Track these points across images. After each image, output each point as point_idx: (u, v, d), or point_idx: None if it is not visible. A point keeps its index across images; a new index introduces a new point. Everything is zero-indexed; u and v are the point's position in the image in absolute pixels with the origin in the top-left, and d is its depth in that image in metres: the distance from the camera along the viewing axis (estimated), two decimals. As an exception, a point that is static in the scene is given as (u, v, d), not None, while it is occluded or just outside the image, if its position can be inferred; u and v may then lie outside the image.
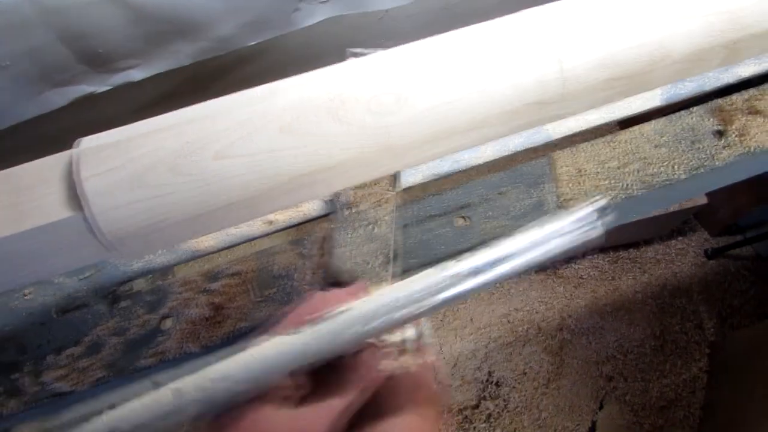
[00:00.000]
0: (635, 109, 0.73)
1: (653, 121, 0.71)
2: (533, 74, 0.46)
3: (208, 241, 0.67)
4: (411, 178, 0.69)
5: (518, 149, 0.71)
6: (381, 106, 0.44)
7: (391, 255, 0.60)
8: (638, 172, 0.68)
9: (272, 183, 0.44)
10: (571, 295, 2.08)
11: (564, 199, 0.66)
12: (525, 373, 1.96)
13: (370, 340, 0.44)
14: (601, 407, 1.92)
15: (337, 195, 0.64)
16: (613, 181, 0.67)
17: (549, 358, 1.99)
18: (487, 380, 1.96)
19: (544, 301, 2.07)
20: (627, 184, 0.67)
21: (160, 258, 0.67)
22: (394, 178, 0.65)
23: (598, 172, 0.68)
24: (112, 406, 0.36)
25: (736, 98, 0.73)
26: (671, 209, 1.85)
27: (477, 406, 1.92)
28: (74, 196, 0.42)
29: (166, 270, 0.68)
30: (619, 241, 2.15)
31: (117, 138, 0.44)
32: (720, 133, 0.70)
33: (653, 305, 2.08)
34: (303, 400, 0.41)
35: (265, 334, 0.39)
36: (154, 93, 1.07)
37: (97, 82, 0.93)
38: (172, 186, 0.42)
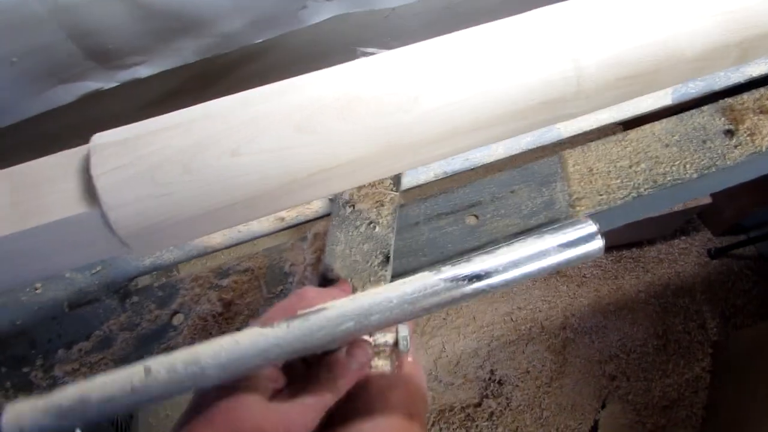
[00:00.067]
0: (646, 108, 0.73)
1: (664, 120, 0.71)
2: (547, 73, 0.46)
3: (218, 238, 0.67)
4: (422, 176, 0.69)
5: (529, 148, 0.71)
6: (393, 105, 0.44)
7: (391, 255, 0.60)
8: (649, 171, 0.68)
9: (283, 181, 0.44)
10: (575, 294, 2.08)
11: (576, 198, 0.66)
12: (528, 372, 1.96)
13: (362, 339, 0.44)
14: (603, 406, 1.93)
15: (338, 193, 0.63)
16: (623, 180, 0.67)
17: (552, 356, 1.99)
18: (490, 378, 1.96)
19: (547, 300, 2.07)
20: (638, 183, 0.67)
21: (170, 254, 0.67)
22: (397, 178, 0.64)
23: (609, 171, 0.68)
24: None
25: (747, 97, 0.73)
26: (675, 209, 1.85)
27: (479, 405, 1.93)
28: (88, 192, 0.42)
29: (176, 266, 0.68)
30: (623, 240, 2.15)
31: (130, 134, 0.44)
32: (730, 133, 0.70)
33: (656, 305, 2.08)
34: (289, 393, 0.41)
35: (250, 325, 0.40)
36: (160, 90, 1.07)
37: (104, 79, 0.93)
38: (184, 183, 0.42)
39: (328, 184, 0.45)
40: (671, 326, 2.04)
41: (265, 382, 0.41)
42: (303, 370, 0.45)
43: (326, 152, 0.44)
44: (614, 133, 0.72)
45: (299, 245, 0.66)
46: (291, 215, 0.67)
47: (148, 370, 0.36)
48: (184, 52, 0.95)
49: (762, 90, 0.74)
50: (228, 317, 0.62)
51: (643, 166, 0.68)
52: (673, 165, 0.68)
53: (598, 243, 0.40)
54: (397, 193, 0.62)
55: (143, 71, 0.94)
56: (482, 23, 0.49)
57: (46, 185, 0.43)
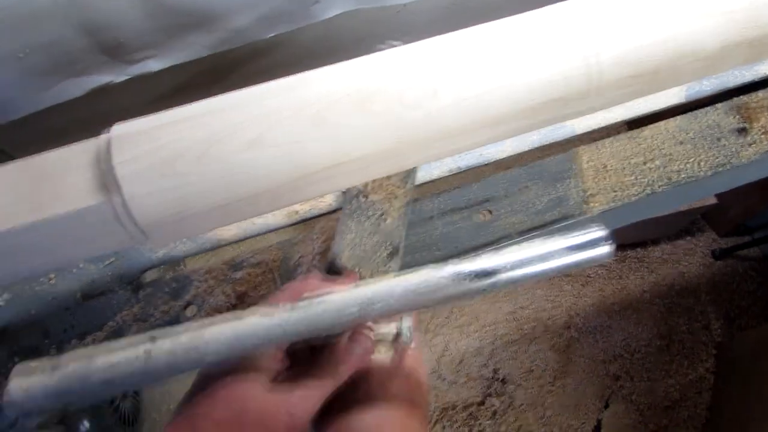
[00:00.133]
0: (659, 105, 0.73)
1: (677, 118, 0.71)
2: (561, 69, 0.46)
3: (231, 231, 0.67)
4: (435, 170, 0.69)
5: (541, 144, 0.71)
6: (410, 99, 0.44)
7: (400, 248, 0.60)
8: (662, 168, 0.68)
9: (300, 173, 0.44)
10: (579, 293, 2.08)
11: (590, 194, 0.66)
12: (531, 371, 1.97)
13: (365, 328, 0.45)
14: (606, 406, 1.93)
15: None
16: (637, 177, 0.67)
17: (555, 356, 1.99)
18: (493, 377, 1.96)
19: (551, 299, 2.07)
20: (651, 180, 0.67)
21: (183, 246, 0.67)
22: (410, 172, 0.64)
23: (622, 168, 0.68)
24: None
25: (761, 95, 0.72)
26: (680, 209, 1.85)
27: (482, 403, 1.93)
28: (106, 182, 0.42)
29: (183, 260, 0.68)
30: (627, 240, 2.15)
31: (147, 125, 0.44)
32: (744, 131, 0.70)
33: (660, 305, 2.08)
34: (291, 377, 0.42)
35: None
36: (170, 84, 1.07)
37: (115, 73, 0.93)
38: (200, 174, 0.42)
39: (344, 178, 0.45)
40: (675, 327, 2.04)
41: (267, 364, 0.42)
42: (305, 355, 0.45)
43: (343, 146, 0.44)
44: (621, 132, 0.72)
45: (310, 236, 0.66)
46: (304, 209, 0.67)
47: (148, 353, 0.36)
48: (195, 47, 0.95)
49: (775, 88, 0.74)
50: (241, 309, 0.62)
51: (656, 163, 0.68)
52: (687, 162, 0.68)
53: (607, 248, 0.39)
54: (411, 187, 0.62)
55: (153, 65, 0.94)
56: (492, 20, 0.49)
57: (61, 176, 0.43)
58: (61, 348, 0.62)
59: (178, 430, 0.39)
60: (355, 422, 0.43)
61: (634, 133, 0.71)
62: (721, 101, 0.73)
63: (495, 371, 1.96)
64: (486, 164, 0.71)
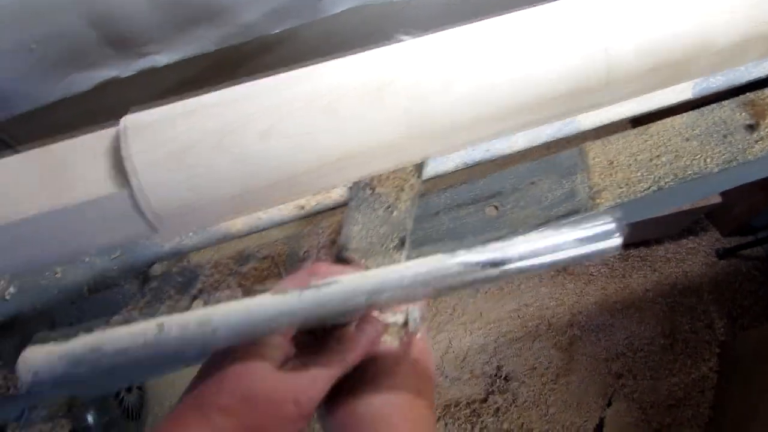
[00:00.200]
0: (667, 101, 0.73)
1: (684, 114, 0.71)
2: (579, 61, 0.46)
3: (237, 225, 0.67)
4: (442, 166, 0.69)
5: (549, 140, 0.71)
6: (425, 90, 0.44)
7: (407, 240, 0.60)
8: (670, 164, 0.68)
9: (311, 165, 0.44)
10: (582, 291, 2.08)
11: (597, 190, 0.66)
12: (534, 369, 1.97)
13: (373, 316, 0.45)
14: (609, 404, 1.93)
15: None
16: (644, 173, 0.67)
17: (558, 354, 1.99)
18: (496, 375, 1.96)
19: (555, 297, 2.07)
20: (659, 176, 0.67)
21: (190, 240, 0.67)
22: (419, 165, 0.64)
23: (630, 164, 0.68)
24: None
25: (770, 92, 0.72)
26: (683, 208, 1.85)
27: (485, 400, 1.93)
28: (118, 172, 0.42)
29: (187, 255, 0.68)
30: (630, 239, 2.14)
31: (162, 115, 0.44)
32: (752, 128, 0.70)
33: (663, 304, 2.08)
34: (298, 363, 0.42)
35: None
36: (176, 79, 1.08)
37: (122, 67, 0.93)
38: (213, 165, 0.43)
39: (355, 169, 0.45)
40: (678, 325, 2.04)
41: (275, 350, 0.42)
42: (312, 342, 0.45)
43: (354, 137, 0.44)
44: (635, 127, 0.71)
45: (316, 231, 0.66)
46: (311, 203, 0.67)
47: (160, 326, 0.37)
48: (202, 42, 0.95)
49: (784, 85, 0.73)
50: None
51: (664, 159, 0.68)
52: (694, 159, 0.68)
53: (617, 241, 0.39)
54: (418, 180, 0.62)
55: (161, 59, 0.94)
56: (498, 14, 0.49)
57: (75, 165, 0.43)
58: (68, 340, 0.62)
59: (186, 414, 0.40)
60: (362, 407, 0.43)
61: (642, 129, 0.71)
62: (728, 98, 0.73)
63: (498, 368, 1.96)
64: (493, 160, 0.70)
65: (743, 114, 0.71)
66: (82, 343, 0.35)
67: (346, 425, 0.43)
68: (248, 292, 0.39)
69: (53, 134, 0.46)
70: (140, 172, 0.41)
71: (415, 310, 0.47)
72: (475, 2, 1.13)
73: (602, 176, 0.67)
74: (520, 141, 0.70)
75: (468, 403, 1.91)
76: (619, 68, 0.46)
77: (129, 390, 1.48)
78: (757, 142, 0.69)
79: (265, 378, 0.40)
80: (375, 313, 0.45)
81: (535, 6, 0.50)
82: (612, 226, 0.39)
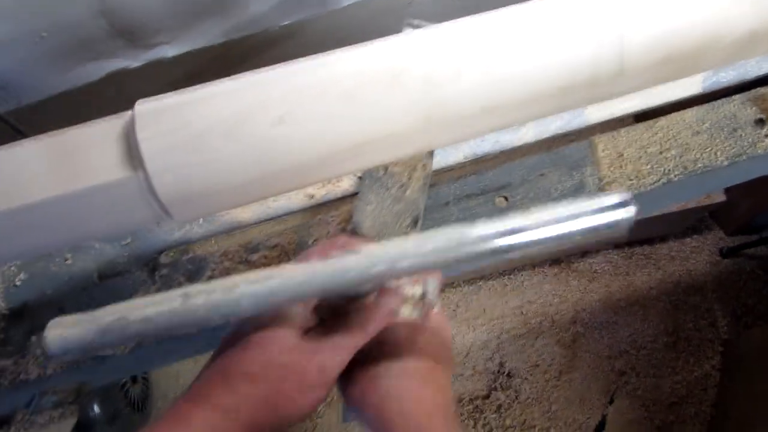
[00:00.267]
0: (676, 95, 0.73)
1: (694, 108, 0.71)
2: (591, 50, 0.46)
3: (246, 213, 0.68)
4: (451, 157, 0.69)
5: (558, 132, 0.71)
6: (438, 78, 0.45)
7: (420, 219, 0.60)
8: (679, 157, 0.68)
9: (326, 151, 0.44)
10: (585, 289, 2.08)
11: (606, 182, 0.66)
12: (537, 365, 1.97)
13: (392, 287, 0.46)
14: (611, 401, 1.93)
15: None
16: (654, 166, 0.67)
17: (561, 350, 1.99)
18: (499, 371, 1.96)
19: (558, 294, 2.07)
20: (668, 169, 0.67)
21: (199, 228, 0.67)
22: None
23: (639, 157, 0.68)
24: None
25: (780, 87, 0.72)
26: (688, 206, 1.84)
27: (488, 397, 1.93)
28: (131, 157, 0.42)
29: (205, 240, 0.68)
30: (634, 236, 2.14)
31: (175, 101, 0.44)
32: (761, 122, 0.70)
33: (667, 302, 2.08)
34: (320, 333, 0.43)
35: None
36: (184, 71, 1.08)
37: (131, 57, 0.94)
38: (227, 150, 0.43)
39: (370, 156, 0.45)
40: (682, 323, 2.04)
41: (297, 319, 0.43)
42: (332, 313, 0.46)
43: (370, 124, 0.44)
44: (644, 120, 0.72)
45: (325, 219, 0.66)
46: (321, 193, 0.68)
47: (186, 296, 0.37)
48: (211, 33, 0.95)
49: (794, 80, 0.74)
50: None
51: (673, 152, 0.68)
52: (704, 152, 0.68)
53: (630, 211, 0.40)
54: (430, 160, 0.62)
55: (169, 51, 0.94)
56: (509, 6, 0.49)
57: (87, 150, 0.44)
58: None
59: (210, 381, 0.41)
60: (381, 374, 0.44)
61: (651, 122, 0.71)
62: (738, 93, 0.73)
63: (501, 365, 1.97)
64: (502, 151, 0.71)
65: (753, 109, 0.71)
66: (109, 312, 0.37)
67: (366, 392, 0.44)
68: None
69: (62, 126, 0.47)
70: (153, 157, 0.41)
71: (432, 283, 0.49)
72: (481, -2, 1.14)
73: (611, 168, 0.67)
74: (529, 133, 0.70)
75: (471, 399, 1.92)
76: (633, 58, 0.46)
77: (134, 382, 1.49)
78: (766, 136, 0.69)
79: (289, 346, 0.41)
80: (393, 285, 0.46)
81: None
82: (626, 197, 0.40)
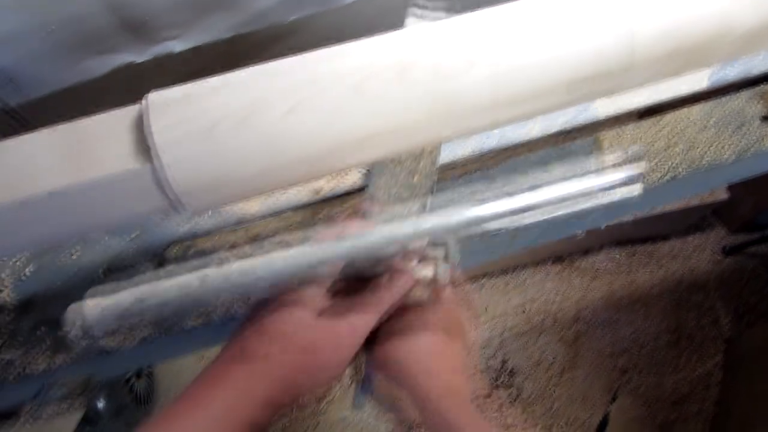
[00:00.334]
0: (682, 91, 0.73)
1: (700, 104, 0.72)
2: (602, 43, 0.46)
3: (254, 207, 0.68)
4: (459, 151, 0.69)
5: (565, 127, 0.71)
6: (449, 70, 0.45)
7: (429, 204, 0.61)
8: (685, 153, 0.68)
9: (338, 142, 0.44)
10: (588, 287, 2.08)
11: (612, 177, 0.66)
12: (539, 363, 1.97)
13: (404, 267, 0.47)
14: (614, 399, 1.93)
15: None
16: (659, 162, 0.67)
17: (564, 348, 1.99)
18: (501, 369, 1.96)
19: (560, 292, 2.07)
20: (674, 165, 0.67)
21: (206, 222, 0.67)
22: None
23: (645, 152, 0.68)
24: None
25: (787, 83, 0.73)
26: (690, 204, 1.84)
27: (489, 395, 1.92)
28: (143, 148, 0.43)
29: (211, 234, 0.68)
30: (636, 235, 2.14)
31: (187, 92, 0.44)
32: (767, 118, 0.70)
33: (669, 300, 2.08)
34: (335, 312, 0.44)
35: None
36: (191, 66, 1.08)
37: (138, 52, 0.94)
38: (239, 140, 0.43)
39: (381, 147, 0.46)
40: (684, 321, 2.04)
41: (312, 300, 0.44)
42: (346, 294, 0.47)
43: (382, 115, 0.44)
44: (649, 116, 0.72)
45: (332, 214, 0.66)
46: (328, 187, 0.68)
47: (203, 278, 0.39)
48: (218, 28, 0.95)
49: (800, 76, 0.74)
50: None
51: (679, 148, 0.68)
52: (710, 148, 0.68)
53: (641, 165, 0.41)
54: (438, 145, 0.63)
55: (177, 46, 0.94)
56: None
57: (98, 141, 0.44)
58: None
59: (229, 362, 0.42)
60: (396, 346, 0.46)
61: (657, 118, 0.71)
62: (744, 89, 0.73)
63: (503, 362, 1.97)
64: (508, 147, 0.71)
65: (759, 104, 0.71)
66: (128, 295, 0.37)
67: (390, 354, 0.46)
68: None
69: (69, 120, 0.47)
70: (164, 147, 0.42)
71: (443, 265, 0.50)
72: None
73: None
74: (535, 128, 0.71)
75: (472, 397, 1.92)
76: (644, 50, 0.46)
77: (139, 377, 1.50)
78: (772, 132, 0.69)
79: (305, 325, 0.42)
80: (405, 267, 0.47)
81: None
82: (635, 172, 0.42)
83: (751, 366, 1.85)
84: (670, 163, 0.67)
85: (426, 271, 0.49)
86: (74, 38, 0.83)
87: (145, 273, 0.39)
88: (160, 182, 0.43)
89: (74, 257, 0.66)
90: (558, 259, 2.13)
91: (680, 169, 0.67)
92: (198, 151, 0.42)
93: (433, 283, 0.49)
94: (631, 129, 0.70)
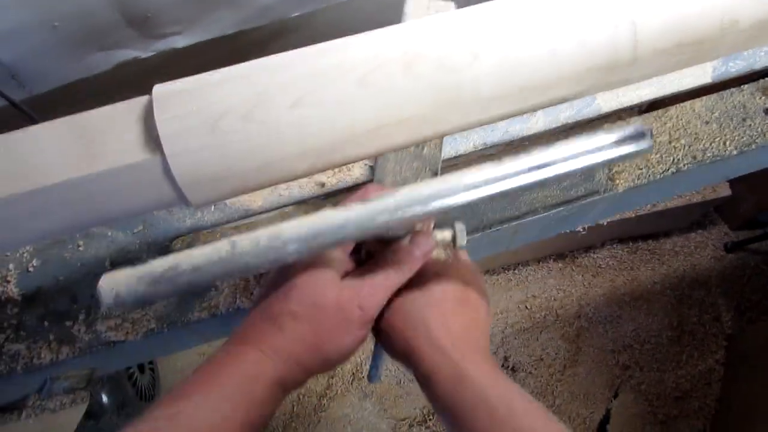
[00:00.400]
0: (686, 85, 0.73)
1: (703, 98, 0.72)
2: (605, 36, 0.46)
3: (257, 202, 0.68)
4: (461, 146, 0.69)
5: (568, 121, 0.71)
6: (453, 63, 0.45)
7: (439, 172, 0.62)
8: (688, 147, 0.68)
9: (343, 135, 0.44)
10: (590, 283, 2.09)
11: (615, 171, 0.66)
12: (541, 360, 1.97)
13: (424, 231, 0.49)
14: (615, 396, 1.93)
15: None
16: (663, 155, 0.67)
17: (565, 345, 1.99)
18: (503, 365, 1.97)
19: (562, 289, 2.08)
20: (677, 158, 0.67)
21: (211, 216, 0.68)
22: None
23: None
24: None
25: (789, 77, 0.73)
26: (692, 201, 1.84)
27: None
28: (150, 139, 0.43)
29: (215, 228, 0.68)
30: (638, 231, 2.14)
31: (193, 84, 0.44)
32: (771, 112, 0.70)
33: (671, 296, 2.08)
34: (358, 274, 0.46)
35: None
36: (195, 61, 1.08)
37: (142, 47, 0.94)
38: (244, 133, 0.43)
39: (387, 140, 0.46)
40: (686, 318, 2.04)
41: (337, 263, 0.45)
42: (369, 258, 0.49)
43: (387, 107, 0.44)
44: (654, 110, 0.72)
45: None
46: (332, 181, 0.68)
47: (233, 243, 0.39)
48: (222, 24, 0.95)
49: (803, 71, 0.74)
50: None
51: (682, 142, 0.68)
52: (713, 141, 0.68)
53: (648, 140, 0.41)
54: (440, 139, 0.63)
55: (180, 41, 0.95)
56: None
57: (105, 132, 0.44)
58: (90, 312, 0.63)
59: (258, 321, 0.43)
60: (408, 307, 0.47)
61: (661, 111, 0.71)
62: (747, 83, 0.73)
63: (505, 359, 1.97)
64: (512, 141, 0.71)
65: (762, 98, 0.71)
66: (160, 263, 0.38)
67: (395, 324, 0.46)
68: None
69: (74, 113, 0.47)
70: (171, 139, 0.42)
71: (460, 225, 0.51)
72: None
73: (621, 158, 0.67)
74: (539, 123, 0.71)
75: (474, 393, 1.92)
76: (647, 44, 0.46)
77: (142, 371, 1.50)
78: (775, 126, 0.69)
79: (331, 286, 0.43)
80: (426, 230, 0.49)
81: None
82: (643, 129, 0.42)
83: (753, 362, 1.86)
84: (673, 157, 0.67)
85: (445, 234, 0.50)
86: (78, 34, 0.83)
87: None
88: (166, 173, 0.43)
89: (80, 250, 0.66)
90: (560, 255, 2.13)
91: (683, 163, 0.67)
92: (204, 142, 0.42)
93: (452, 244, 0.51)
94: (635, 122, 0.70)
